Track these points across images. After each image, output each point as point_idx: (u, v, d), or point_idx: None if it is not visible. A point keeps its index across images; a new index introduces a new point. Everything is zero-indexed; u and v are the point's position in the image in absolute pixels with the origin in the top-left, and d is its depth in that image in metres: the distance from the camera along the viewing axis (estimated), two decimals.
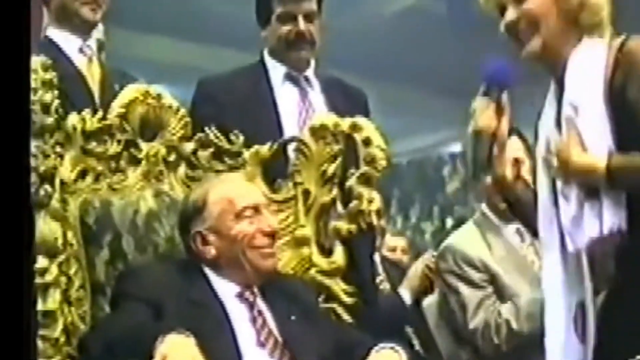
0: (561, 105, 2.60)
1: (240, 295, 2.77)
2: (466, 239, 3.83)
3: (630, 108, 2.47)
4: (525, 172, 3.48)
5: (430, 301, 4.24)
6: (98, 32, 3.67)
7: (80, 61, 3.47)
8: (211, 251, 2.79)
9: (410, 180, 18.62)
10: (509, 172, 3.11)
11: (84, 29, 3.51)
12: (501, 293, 3.69)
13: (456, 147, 18.52)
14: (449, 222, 15.27)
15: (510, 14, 2.63)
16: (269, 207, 2.90)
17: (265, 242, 2.79)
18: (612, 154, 2.46)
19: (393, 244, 5.77)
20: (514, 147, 3.67)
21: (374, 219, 3.04)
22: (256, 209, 2.82)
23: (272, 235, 2.81)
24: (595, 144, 2.48)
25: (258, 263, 2.78)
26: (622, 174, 2.44)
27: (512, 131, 3.64)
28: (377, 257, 4.28)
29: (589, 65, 2.56)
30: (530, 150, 3.61)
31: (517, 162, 3.63)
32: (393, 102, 17.06)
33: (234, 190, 2.84)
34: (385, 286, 4.55)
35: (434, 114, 18.43)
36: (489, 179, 3.70)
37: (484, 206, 3.88)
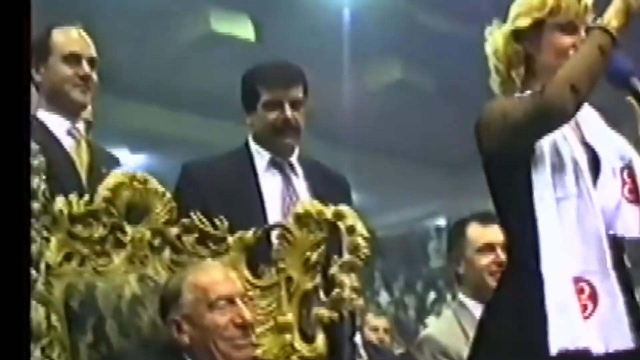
0: None
1: None
2: (443, 330, 3.82)
3: None
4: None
5: None
6: (86, 112, 3.70)
7: (68, 144, 3.49)
8: (185, 339, 2.80)
9: (394, 253, 18.62)
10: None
11: (73, 110, 3.54)
12: None
13: (442, 221, 18.58)
14: (432, 296, 15.26)
15: None
16: (244, 297, 2.90)
17: (236, 334, 2.79)
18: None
19: (375, 324, 5.79)
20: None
21: (356, 307, 3.06)
22: (230, 300, 2.82)
23: (245, 327, 2.81)
24: None
25: (230, 355, 2.78)
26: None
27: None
28: (358, 339, 4.28)
29: None
30: None
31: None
32: (380, 176, 17.15)
33: (209, 279, 2.85)
34: None
35: (420, 187, 18.50)
36: (462, 268, 3.78)
37: (460, 295, 3.87)
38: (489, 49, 2.97)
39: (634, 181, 2.83)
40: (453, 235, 3.95)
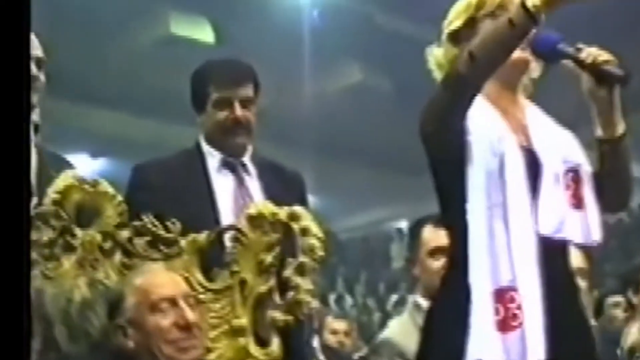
0: None
1: None
2: (400, 332, 3.79)
3: None
4: None
5: None
6: (34, 114, 3.63)
7: None
8: (130, 344, 2.76)
9: (356, 256, 18.63)
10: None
11: None
12: None
13: (403, 224, 18.61)
14: (393, 298, 15.26)
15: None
16: (188, 298, 2.85)
17: (180, 336, 2.74)
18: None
19: (335, 327, 5.75)
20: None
21: (311, 310, 3.02)
22: (172, 302, 2.78)
23: (189, 328, 2.76)
24: None
25: (175, 357, 2.74)
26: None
27: None
28: (316, 342, 4.24)
29: None
30: None
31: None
32: (340, 179, 17.16)
33: (150, 282, 2.81)
34: None
35: (382, 190, 18.54)
36: (417, 270, 3.76)
37: (417, 296, 3.85)
38: (432, 66, 3.00)
39: (577, 186, 2.82)
40: (410, 236, 3.95)
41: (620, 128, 2.83)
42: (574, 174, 2.82)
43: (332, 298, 14.86)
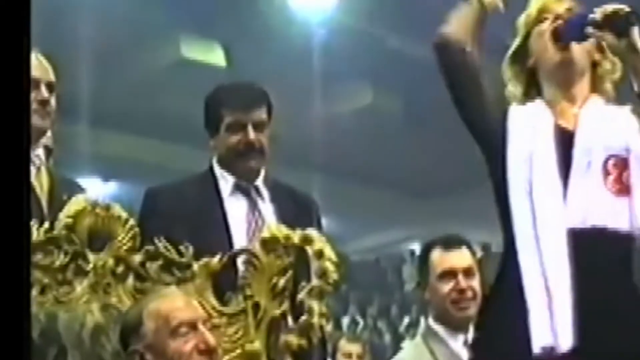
0: None
1: None
2: (415, 355, 3.75)
3: None
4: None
5: None
6: (46, 139, 3.62)
7: None
8: None
9: (368, 279, 18.59)
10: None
11: (32, 137, 3.47)
12: None
13: (415, 246, 18.59)
14: (406, 321, 15.22)
15: None
16: (207, 322, 2.83)
17: None
18: None
19: (348, 350, 5.74)
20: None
21: (325, 333, 3.01)
22: (192, 326, 2.75)
23: (210, 353, 2.74)
24: None
25: None
26: None
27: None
28: None
29: None
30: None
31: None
32: (353, 200, 17.15)
33: (169, 306, 2.78)
34: None
35: (392, 212, 18.52)
36: (427, 294, 3.75)
37: (430, 320, 3.82)
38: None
39: (622, 172, 2.77)
40: (420, 260, 3.91)
41: None
42: (617, 159, 2.78)
43: (344, 320, 14.84)
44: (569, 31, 2.85)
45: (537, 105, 2.91)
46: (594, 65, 2.93)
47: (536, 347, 2.69)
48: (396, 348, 3.95)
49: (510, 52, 2.98)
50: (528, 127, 2.84)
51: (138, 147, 16.19)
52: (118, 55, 13.73)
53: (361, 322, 16.35)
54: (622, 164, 2.78)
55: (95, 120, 13.56)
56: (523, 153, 2.81)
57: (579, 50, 2.86)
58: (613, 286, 2.75)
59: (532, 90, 2.96)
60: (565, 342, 2.66)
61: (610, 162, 2.77)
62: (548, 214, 2.74)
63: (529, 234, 2.75)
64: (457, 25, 2.90)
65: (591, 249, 2.73)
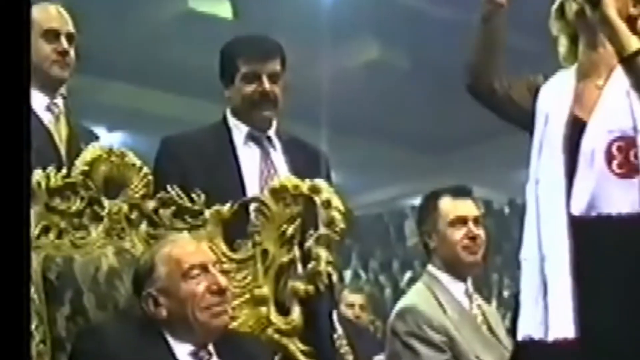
0: None
1: (194, 354, 2.79)
2: (423, 300, 3.78)
3: None
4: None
5: None
6: (63, 89, 3.70)
7: (47, 119, 3.50)
8: (162, 312, 2.80)
9: (371, 233, 18.64)
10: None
11: (52, 86, 3.54)
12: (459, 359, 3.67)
13: (418, 200, 18.58)
14: (407, 275, 15.28)
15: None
16: (216, 265, 2.90)
17: (214, 301, 2.79)
18: None
19: (351, 300, 5.80)
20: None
21: (332, 281, 3.08)
22: (203, 268, 2.82)
23: (222, 293, 2.82)
24: None
25: (209, 323, 2.79)
26: None
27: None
28: (334, 315, 4.30)
29: None
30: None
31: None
32: (356, 156, 17.16)
33: (180, 250, 2.86)
34: (342, 343, 4.59)
35: (396, 167, 18.53)
36: (434, 242, 3.80)
37: (430, 267, 3.87)
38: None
39: (627, 154, 2.72)
40: (424, 208, 3.95)
41: (633, 43, 2.72)
42: (620, 142, 2.73)
43: (346, 274, 14.91)
44: None
45: (561, 85, 2.89)
46: (630, 20, 2.81)
47: (520, 336, 2.77)
48: (396, 301, 4.00)
49: (555, 5, 2.94)
50: (542, 114, 2.85)
51: (143, 97, 16.20)
52: (126, 5, 13.72)
53: (363, 276, 16.41)
54: (629, 143, 2.73)
55: (101, 71, 13.56)
56: (535, 142, 2.85)
57: (611, 4, 2.73)
58: (618, 274, 2.71)
59: (572, 49, 2.94)
60: (562, 331, 2.68)
61: (615, 146, 2.73)
62: (551, 207, 2.76)
63: (533, 225, 2.80)
64: (479, 58, 2.90)
65: (595, 237, 2.72)
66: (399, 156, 18.51)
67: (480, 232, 3.78)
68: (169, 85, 15.51)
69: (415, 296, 3.87)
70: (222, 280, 2.84)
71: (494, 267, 14.11)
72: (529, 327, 2.76)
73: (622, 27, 2.72)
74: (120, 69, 14.72)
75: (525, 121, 2.91)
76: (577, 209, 2.73)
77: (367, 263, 17.31)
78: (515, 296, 2.91)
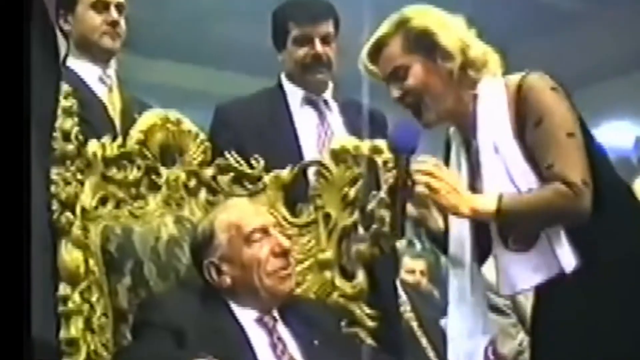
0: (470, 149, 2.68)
1: (259, 320, 2.73)
2: (485, 267, 3.69)
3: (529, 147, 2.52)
4: None
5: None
6: (114, 61, 3.65)
7: (100, 90, 3.46)
8: (226, 280, 2.74)
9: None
10: None
11: (103, 58, 3.50)
12: (525, 322, 3.60)
13: None
14: None
15: (395, 92, 2.70)
16: (277, 227, 2.85)
17: (279, 264, 2.73)
18: (502, 196, 2.49)
19: (412, 266, 5.75)
20: None
21: (395, 243, 3.02)
22: (264, 230, 2.76)
23: (286, 255, 2.76)
24: (518, 178, 2.52)
25: (275, 287, 2.73)
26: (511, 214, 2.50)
27: None
28: (397, 280, 4.24)
29: (493, 104, 2.60)
30: None
31: None
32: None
33: (239, 215, 2.80)
34: (406, 308, 4.53)
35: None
36: None
37: None
38: None
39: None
40: None
41: None
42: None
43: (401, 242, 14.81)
44: None
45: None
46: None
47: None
48: None
49: None
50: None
51: (193, 75, 16.20)
52: None
53: (418, 245, 16.33)
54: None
55: (152, 50, 13.55)
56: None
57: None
58: None
59: None
60: None
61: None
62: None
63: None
64: None
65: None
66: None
67: None
68: (217, 63, 15.48)
69: None
70: (285, 242, 2.77)
71: None
72: None
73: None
74: (167, 47, 14.70)
75: None
76: None
77: (421, 232, 17.22)
78: None
